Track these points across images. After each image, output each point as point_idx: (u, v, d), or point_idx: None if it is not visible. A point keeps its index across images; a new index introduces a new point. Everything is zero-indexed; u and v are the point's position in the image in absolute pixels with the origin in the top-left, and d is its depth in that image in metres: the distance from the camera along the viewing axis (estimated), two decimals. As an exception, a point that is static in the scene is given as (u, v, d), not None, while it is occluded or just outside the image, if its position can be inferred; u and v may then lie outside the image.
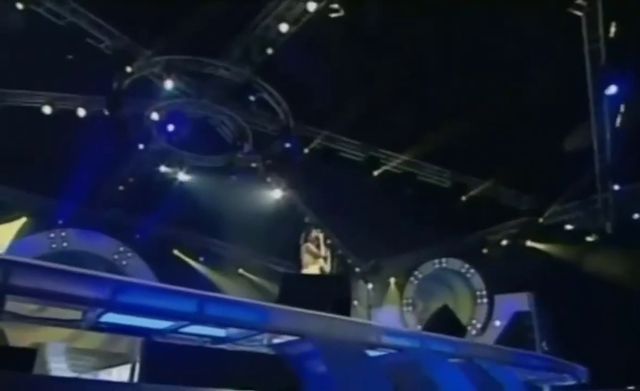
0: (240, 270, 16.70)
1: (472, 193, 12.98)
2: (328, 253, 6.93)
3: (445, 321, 5.88)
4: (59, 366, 9.53)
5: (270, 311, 3.75)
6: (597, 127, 10.67)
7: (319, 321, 3.94)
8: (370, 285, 16.60)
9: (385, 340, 4.29)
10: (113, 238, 14.68)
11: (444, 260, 15.15)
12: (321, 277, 5.16)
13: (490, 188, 13.05)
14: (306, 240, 6.92)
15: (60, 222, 13.83)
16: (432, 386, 4.38)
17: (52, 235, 13.67)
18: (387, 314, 14.65)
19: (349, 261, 16.22)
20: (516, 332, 13.43)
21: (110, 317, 3.41)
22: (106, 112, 11.16)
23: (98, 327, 3.51)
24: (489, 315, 14.05)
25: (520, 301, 13.66)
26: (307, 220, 15.08)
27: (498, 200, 13.13)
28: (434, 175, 13.00)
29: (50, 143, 11.14)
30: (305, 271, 6.64)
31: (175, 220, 14.67)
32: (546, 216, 13.40)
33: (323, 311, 4.31)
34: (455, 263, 15.00)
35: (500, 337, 13.65)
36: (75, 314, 3.45)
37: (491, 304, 14.12)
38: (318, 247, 6.84)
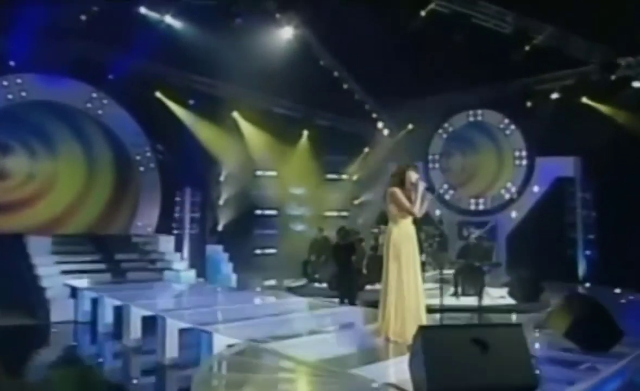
0: (235, 113, 14.22)
1: (535, 41, 10.40)
2: (425, 202, 4.88)
3: (597, 328, 4.27)
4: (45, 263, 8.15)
5: None
6: None
7: None
8: (386, 132, 14.64)
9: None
10: (82, 81, 11.83)
11: (479, 111, 13.02)
12: (482, 331, 3.28)
13: (557, 36, 10.47)
14: (401, 183, 4.81)
15: (12, 63, 10.82)
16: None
17: (5, 82, 10.83)
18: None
19: (367, 107, 13.95)
20: (556, 200, 12.09)
21: None
22: None
23: None
24: (526, 179, 12.50)
25: (565, 165, 12.08)
26: (322, 63, 12.43)
27: (565, 50, 10.63)
28: (492, 18, 10.22)
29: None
30: (394, 226, 4.78)
31: (158, 57, 11.77)
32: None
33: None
34: (493, 117, 12.92)
35: (537, 204, 12.34)
36: None
37: (531, 167, 12.48)
38: (412, 196, 4.77)
